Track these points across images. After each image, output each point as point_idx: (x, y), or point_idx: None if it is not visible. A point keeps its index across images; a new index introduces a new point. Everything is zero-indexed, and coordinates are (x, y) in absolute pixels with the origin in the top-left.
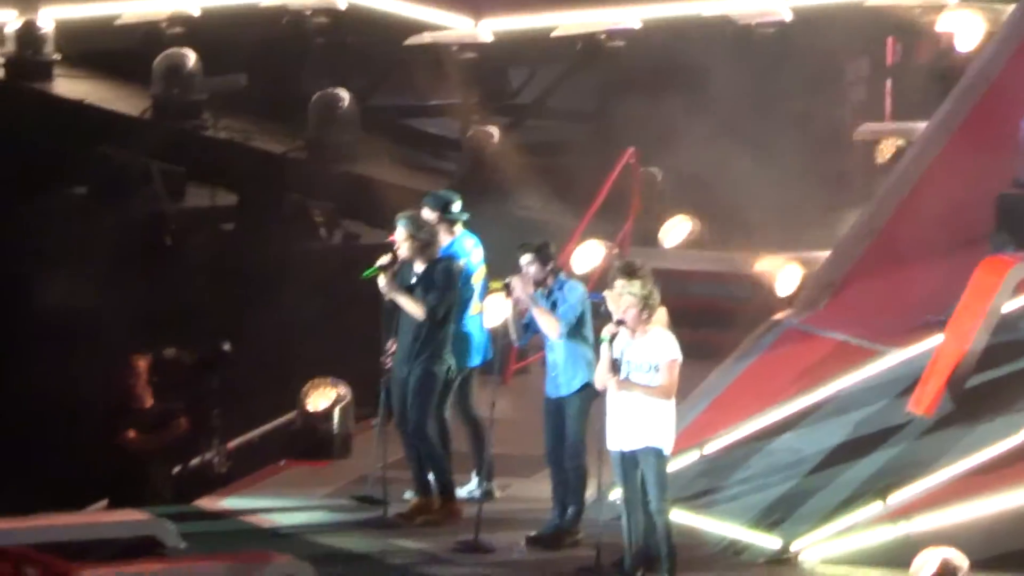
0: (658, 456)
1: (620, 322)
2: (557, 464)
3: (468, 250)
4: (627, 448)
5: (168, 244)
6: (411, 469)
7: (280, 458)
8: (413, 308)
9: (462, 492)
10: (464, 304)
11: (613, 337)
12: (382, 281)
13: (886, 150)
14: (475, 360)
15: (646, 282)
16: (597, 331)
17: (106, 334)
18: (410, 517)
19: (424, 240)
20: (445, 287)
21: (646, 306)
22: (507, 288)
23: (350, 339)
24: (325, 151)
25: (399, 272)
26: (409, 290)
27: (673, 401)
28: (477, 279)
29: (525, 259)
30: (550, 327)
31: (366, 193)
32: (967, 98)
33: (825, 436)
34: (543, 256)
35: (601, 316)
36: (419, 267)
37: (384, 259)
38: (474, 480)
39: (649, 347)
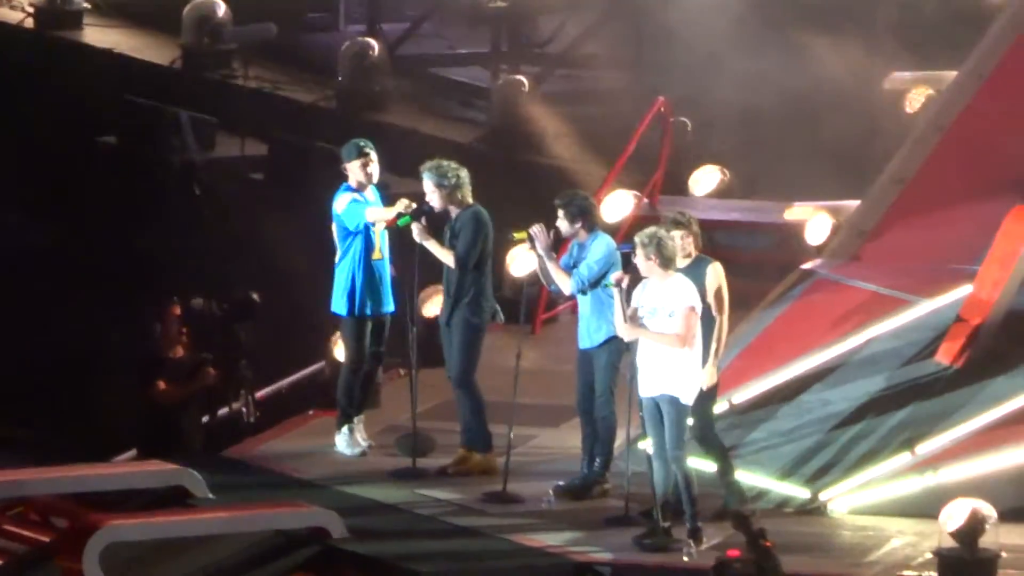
0: (674, 404)
1: (627, 267)
2: (587, 414)
3: (371, 199)
4: (651, 394)
5: (197, 193)
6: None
7: (308, 408)
8: (445, 256)
9: (339, 445)
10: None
11: (619, 283)
12: (415, 229)
13: (915, 99)
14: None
15: (659, 230)
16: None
17: (136, 283)
18: (452, 469)
19: (450, 187)
20: (474, 235)
21: (656, 252)
22: (530, 238)
23: None
24: (355, 100)
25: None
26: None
27: (693, 350)
28: (378, 227)
29: (560, 212)
30: (562, 282)
31: (396, 142)
32: (998, 45)
33: (854, 386)
34: (570, 212)
35: (633, 266)
36: (453, 214)
37: (404, 202)
38: (344, 431)
39: (667, 294)
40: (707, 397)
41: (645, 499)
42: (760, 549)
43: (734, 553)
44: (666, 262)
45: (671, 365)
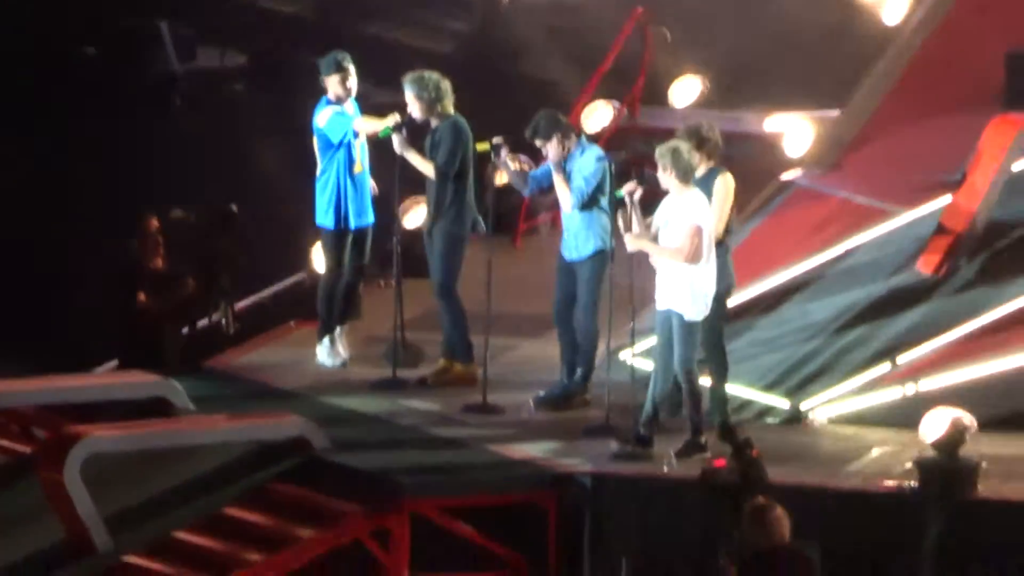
0: (679, 320)
1: (639, 179)
2: (564, 324)
3: (350, 112)
4: (662, 308)
5: (177, 104)
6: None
7: (290, 319)
8: (425, 167)
9: (320, 356)
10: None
11: (631, 193)
12: (396, 141)
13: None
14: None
15: (678, 142)
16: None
17: (117, 196)
18: (432, 379)
19: (430, 98)
20: (453, 145)
21: (672, 164)
22: (495, 149)
23: None
24: (336, 10)
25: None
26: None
27: (700, 267)
28: (359, 139)
29: (537, 143)
30: (564, 200)
31: (375, 52)
32: None
33: (835, 297)
34: (540, 135)
35: (635, 176)
36: (434, 125)
37: (394, 117)
38: (325, 342)
39: (681, 208)
40: (719, 311)
41: (626, 409)
42: (746, 459)
43: (720, 463)
44: (683, 175)
45: (679, 281)
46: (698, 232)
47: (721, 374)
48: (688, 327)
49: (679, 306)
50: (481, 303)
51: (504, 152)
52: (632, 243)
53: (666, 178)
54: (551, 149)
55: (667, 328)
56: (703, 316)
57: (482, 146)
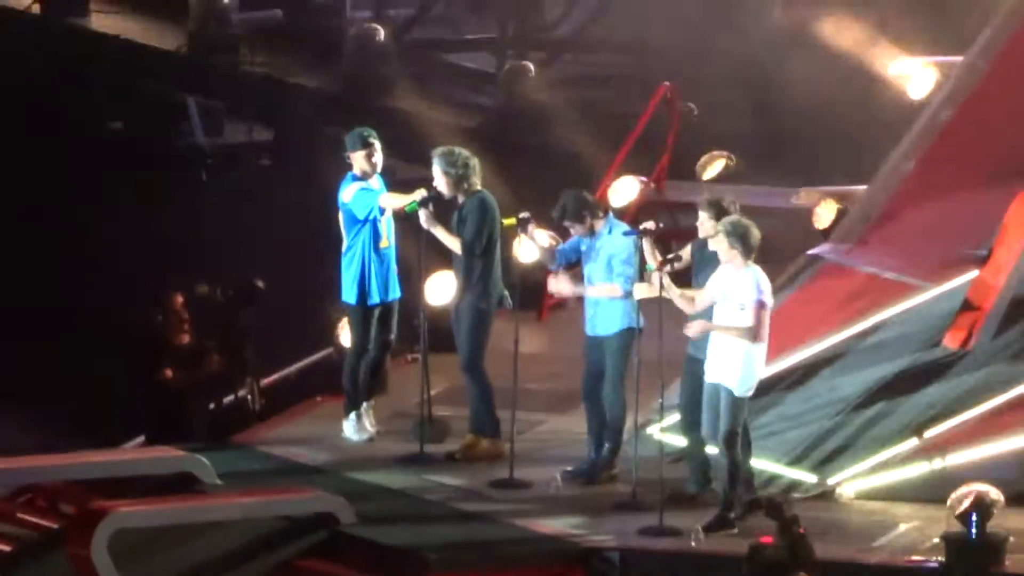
0: (727, 394)
1: (673, 259)
2: (592, 401)
3: (375, 188)
4: (711, 380)
5: (204, 179)
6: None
7: (317, 394)
8: (452, 242)
9: (347, 431)
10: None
11: (660, 267)
12: (422, 216)
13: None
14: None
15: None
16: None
17: (143, 270)
18: (459, 454)
19: (458, 174)
20: (479, 221)
21: (740, 242)
22: (522, 224)
23: None
24: (362, 86)
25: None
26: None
27: (757, 345)
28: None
29: (566, 224)
30: (613, 293)
31: (402, 128)
32: (1006, 28)
33: (862, 372)
34: (568, 216)
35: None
36: (461, 201)
37: (421, 193)
38: (351, 417)
39: (741, 285)
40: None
41: (653, 485)
42: (794, 535)
43: (767, 539)
44: (748, 252)
45: (733, 355)
46: (764, 309)
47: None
48: (735, 402)
49: (729, 380)
50: (508, 378)
51: (531, 227)
52: (694, 328)
53: (732, 254)
54: (577, 230)
55: (715, 399)
56: (751, 393)
57: (509, 221)
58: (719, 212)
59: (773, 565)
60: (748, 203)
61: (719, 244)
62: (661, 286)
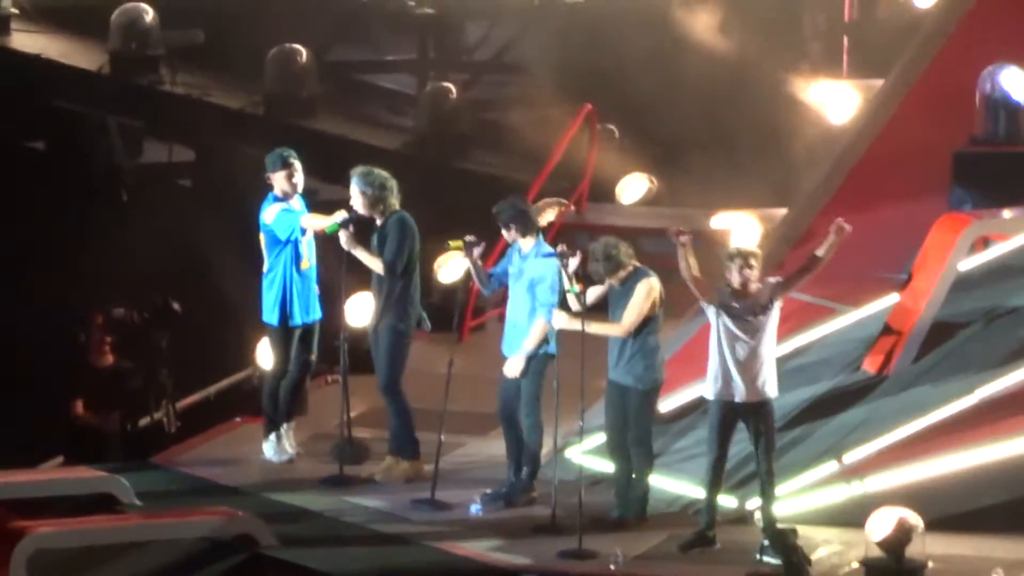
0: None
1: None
2: (509, 422)
3: (296, 208)
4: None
5: (124, 199)
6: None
7: (236, 415)
8: (372, 263)
9: (267, 452)
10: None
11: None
12: (343, 237)
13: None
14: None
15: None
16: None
17: (65, 288)
18: (379, 476)
19: (375, 195)
20: (400, 240)
21: (605, 263)
22: (467, 247)
23: None
24: (282, 106)
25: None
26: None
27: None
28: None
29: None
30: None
31: (323, 148)
32: (924, 53)
33: (782, 396)
34: (502, 220)
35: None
36: (379, 221)
37: (342, 214)
38: (271, 438)
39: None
40: (651, 404)
41: (572, 507)
42: (795, 562)
43: (764, 571)
44: (618, 265)
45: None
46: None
47: (644, 468)
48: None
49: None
50: (428, 399)
51: (476, 251)
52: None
53: (610, 278)
54: (508, 237)
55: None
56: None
57: (456, 244)
58: (607, 260)
59: None
60: (666, 226)
61: (605, 275)
62: (583, 308)
